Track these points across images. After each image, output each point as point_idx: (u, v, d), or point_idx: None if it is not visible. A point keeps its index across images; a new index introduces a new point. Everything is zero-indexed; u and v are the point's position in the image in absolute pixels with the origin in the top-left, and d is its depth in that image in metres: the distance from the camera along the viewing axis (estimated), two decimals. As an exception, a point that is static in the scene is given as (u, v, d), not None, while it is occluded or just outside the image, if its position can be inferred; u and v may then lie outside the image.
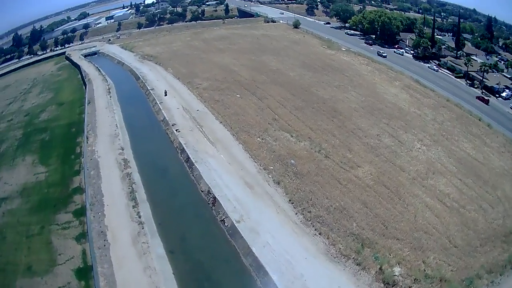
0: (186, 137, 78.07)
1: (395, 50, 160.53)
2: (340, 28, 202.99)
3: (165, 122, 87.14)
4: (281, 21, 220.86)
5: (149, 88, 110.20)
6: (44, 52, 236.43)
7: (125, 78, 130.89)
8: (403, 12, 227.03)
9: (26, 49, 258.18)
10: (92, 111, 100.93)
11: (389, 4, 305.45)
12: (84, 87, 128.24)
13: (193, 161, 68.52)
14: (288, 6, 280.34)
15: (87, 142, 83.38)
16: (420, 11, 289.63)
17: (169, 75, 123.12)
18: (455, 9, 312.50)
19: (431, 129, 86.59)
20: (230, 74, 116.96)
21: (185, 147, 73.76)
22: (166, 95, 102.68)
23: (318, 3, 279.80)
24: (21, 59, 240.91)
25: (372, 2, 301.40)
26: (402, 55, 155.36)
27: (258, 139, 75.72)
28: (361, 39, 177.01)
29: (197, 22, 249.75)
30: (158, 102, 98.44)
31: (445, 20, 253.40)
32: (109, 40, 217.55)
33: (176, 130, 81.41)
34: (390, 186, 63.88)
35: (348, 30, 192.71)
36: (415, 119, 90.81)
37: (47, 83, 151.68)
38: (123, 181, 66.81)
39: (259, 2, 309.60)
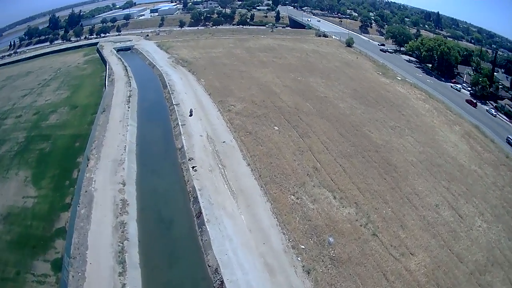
0: (203, 181, 65.86)
1: (452, 85, 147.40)
2: (395, 51, 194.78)
3: (182, 154, 75.38)
4: (333, 37, 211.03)
5: (174, 103, 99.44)
6: (78, 39, 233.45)
7: (152, 84, 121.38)
8: (455, 40, 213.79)
9: (61, 33, 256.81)
10: (103, 123, 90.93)
11: (442, 30, 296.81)
12: (104, 88, 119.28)
13: (205, 219, 56.04)
14: (341, 21, 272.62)
15: (87, 166, 72.98)
16: (473, 41, 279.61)
17: (200, 88, 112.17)
18: (503, 41, 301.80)
19: (492, 197, 72.05)
20: (270, 97, 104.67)
21: (199, 196, 61.50)
22: (191, 115, 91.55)
23: (372, 21, 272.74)
24: (53, 43, 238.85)
25: (426, 26, 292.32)
26: (459, 91, 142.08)
27: (292, 197, 62.61)
28: (417, 67, 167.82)
29: (244, 27, 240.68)
30: (180, 123, 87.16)
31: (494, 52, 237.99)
32: (147, 35, 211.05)
33: (193, 167, 69.46)
34: (444, 285, 49.89)
35: (404, 56, 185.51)
36: (476, 182, 76.24)
37: (68, 77, 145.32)
38: (114, 233, 55.15)
39: (312, 13, 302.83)
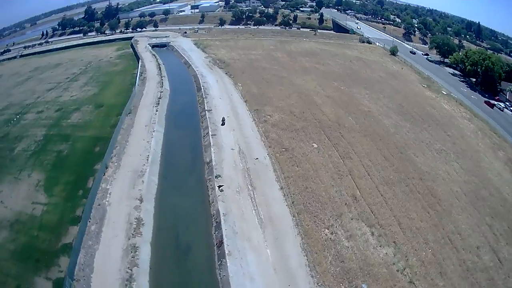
0: (229, 204, 61.15)
1: (496, 103, 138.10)
2: (439, 63, 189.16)
3: (210, 169, 71.00)
4: (377, 44, 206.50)
5: (206, 108, 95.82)
6: (112, 32, 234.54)
7: (185, 86, 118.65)
8: (496, 53, 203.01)
9: (96, 25, 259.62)
10: (128, 127, 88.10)
11: (482, 41, 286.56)
12: (134, 87, 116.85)
13: (226, 251, 51.10)
14: (385, 27, 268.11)
15: (103, 175, 69.73)
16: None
17: (237, 93, 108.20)
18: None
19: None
20: (311, 108, 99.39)
21: (222, 221, 56.72)
22: (223, 123, 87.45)
23: (416, 29, 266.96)
24: (87, 35, 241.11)
25: (467, 37, 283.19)
26: (502, 110, 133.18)
27: (326, 231, 56.80)
28: (462, 81, 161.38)
29: (286, 28, 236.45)
30: (210, 133, 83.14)
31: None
32: (185, 32, 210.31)
33: (219, 187, 64.89)
34: None
35: (447, 68, 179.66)
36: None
37: (98, 72, 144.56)
38: (124, 257, 51.12)
39: (356, 17, 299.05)
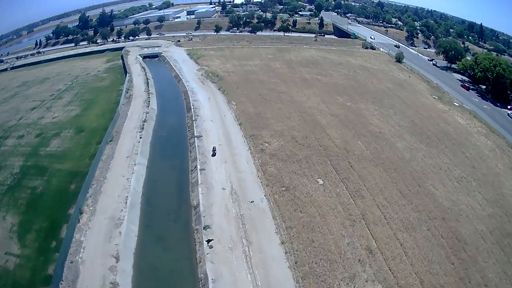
0: (219, 266, 49.01)
1: (509, 112, 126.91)
2: (446, 68, 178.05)
3: (197, 216, 59.09)
4: (381, 49, 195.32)
5: (195, 133, 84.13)
6: (104, 42, 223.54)
7: (174, 105, 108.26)
8: (499, 55, 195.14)
9: (90, 33, 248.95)
10: (107, 159, 76.55)
11: (485, 42, 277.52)
12: (118, 107, 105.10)
13: None
14: (387, 30, 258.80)
15: (78, 222, 58.19)
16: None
17: (230, 114, 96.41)
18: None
19: None
20: (315, 131, 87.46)
21: (211, 291, 45.28)
22: (214, 154, 75.61)
23: (419, 32, 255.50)
24: (78, 44, 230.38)
25: (470, 38, 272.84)
26: None
27: (338, 302, 45.30)
28: (472, 89, 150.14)
29: (285, 34, 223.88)
30: (199, 167, 71.24)
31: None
32: (178, 41, 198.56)
33: (208, 241, 53.04)
34: None
35: (456, 74, 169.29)
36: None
37: (84, 88, 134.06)
38: None
39: (357, 21, 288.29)
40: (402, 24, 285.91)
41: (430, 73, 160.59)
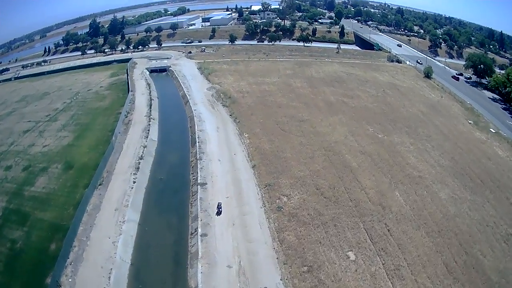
0: None
1: None
2: (476, 84, 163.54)
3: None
4: (407, 63, 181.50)
5: (199, 180, 69.83)
6: (112, 51, 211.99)
7: (177, 136, 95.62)
8: None
9: (100, 40, 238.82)
10: (92, 211, 63.61)
11: (505, 52, 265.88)
12: (113, 138, 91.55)
13: None
14: (410, 40, 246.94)
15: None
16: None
17: (242, 150, 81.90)
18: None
19: None
20: (343, 177, 72.09)
21: None
22: (219, 213, 60.99)
23: (441, 41, 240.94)
24: (86, 53, 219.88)
25: (491, 47, 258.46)
26: None
27: None
28: (504, 108, 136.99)
29: (305, 45, 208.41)
30: (200, 231, 56.97)
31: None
32: (190, 52, 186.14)
33: None
34: None
35: (486, 91, 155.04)
36: None
37: (81, 109, 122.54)
38: None
39: (378, 29, 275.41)
40: (423, 32, 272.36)
41: (460, 90, 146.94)
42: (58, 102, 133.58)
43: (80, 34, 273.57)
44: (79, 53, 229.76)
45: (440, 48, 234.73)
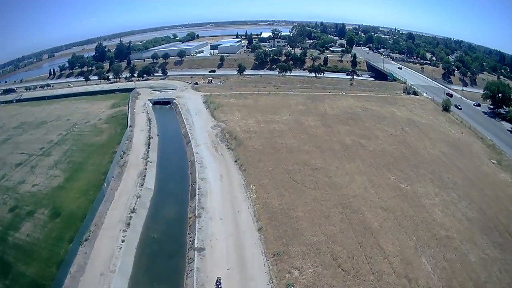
0: None
1: None
2: (493, 115, 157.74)
3: None
4: (424, 94, 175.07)
5: (196, 244, 60.92)
6: (116, 79, 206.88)
7: (175, 182, 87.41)
8: None
9: (106, 65, 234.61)
10: (75, 274, 55.24)
11: None
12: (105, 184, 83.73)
13: None
14: (423, 68, 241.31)
15: None
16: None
17: (247, 207, 72.55)
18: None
19: None
20: (363, 242, 62.68)
21: None
22: (219, 292, 51.92)
23: (455, 68, 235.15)
24: (90, 79, 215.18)
25: (502, 71, 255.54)
26: None
27: None
28: None
29: (317, 76, 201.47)
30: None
31: None
32: (196, 83, 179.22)
33: None
34: None
35: (504, 122, 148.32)
36: None
37: (76, 145, 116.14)
38: None
39: (390, 57, 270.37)
40: (436, 59, 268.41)
41: (479, 123, 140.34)
42: (54, 133, 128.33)
43: (86, 57, 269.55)
44: (81, 79, 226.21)
45: (453, 75, 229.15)
